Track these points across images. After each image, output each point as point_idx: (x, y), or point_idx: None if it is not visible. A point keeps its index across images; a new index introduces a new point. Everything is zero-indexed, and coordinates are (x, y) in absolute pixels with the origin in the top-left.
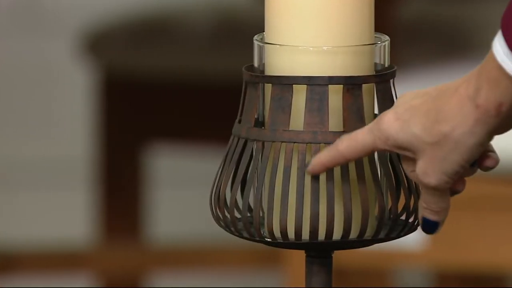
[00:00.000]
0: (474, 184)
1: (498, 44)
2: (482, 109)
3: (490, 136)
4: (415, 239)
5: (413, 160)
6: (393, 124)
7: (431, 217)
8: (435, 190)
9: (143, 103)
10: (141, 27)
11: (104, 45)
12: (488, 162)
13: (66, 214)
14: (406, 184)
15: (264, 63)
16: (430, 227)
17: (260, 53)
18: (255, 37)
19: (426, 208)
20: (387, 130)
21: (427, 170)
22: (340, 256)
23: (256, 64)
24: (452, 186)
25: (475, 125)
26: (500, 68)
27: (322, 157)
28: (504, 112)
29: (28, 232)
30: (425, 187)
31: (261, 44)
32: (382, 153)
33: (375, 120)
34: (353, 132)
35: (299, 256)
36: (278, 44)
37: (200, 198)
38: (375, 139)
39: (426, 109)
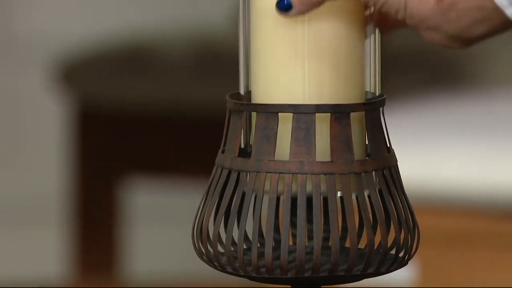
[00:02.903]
0: (462, 221)
1: None
2: None
3: (418, 16)
4: (404, 274)
5: None
6: None
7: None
8: None
9: (120, 135)
10: (117, 57)
11: (80, 75)
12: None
13: (40, 251)
14: (396, 217)
15: (250, 91)
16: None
17: (245, 75)
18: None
19: None
20: None
21: None
22: None
23: (241, 90)
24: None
25: None
26: None
27: None
28: (446, 3)
29: (1, 270)
30: None
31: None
32: (370, 183)
33: None
34: None
35: None
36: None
37: (177, 235)
38: None
39: None
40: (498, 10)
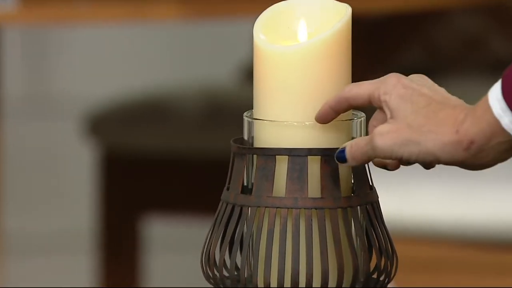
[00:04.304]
0: (430, 249)
1: (495, 95)
2: (459, 136)
3: (453, 162)
4: None
5: (383, 119)
6: (395, 85)
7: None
8: (373, 150)
9: (140, 177)
10: (137, 110)
11: (105, 126)
12: None
13: (70, 279)
14: (378, 246)
15: (253, 136)
16: (342, 158)
17: (249, 128)
18: (245, 113)
19: (352, 146)
20: (388, 85)
21: (385, 134)
22: None
23: (245, 137)
24: (387, 163)
25: (446, 145)
26: (492, 116)
27: (330, 101)
28: (473, 150)
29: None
30: (369, 141)
31: (250, 120)
32: (355, 217)
33: (383, 77)
34: (361, 82)
35: None
36: (266, 120)
37: (189, 262)
38: (376, 88)
39: (427, 99)
40: None
